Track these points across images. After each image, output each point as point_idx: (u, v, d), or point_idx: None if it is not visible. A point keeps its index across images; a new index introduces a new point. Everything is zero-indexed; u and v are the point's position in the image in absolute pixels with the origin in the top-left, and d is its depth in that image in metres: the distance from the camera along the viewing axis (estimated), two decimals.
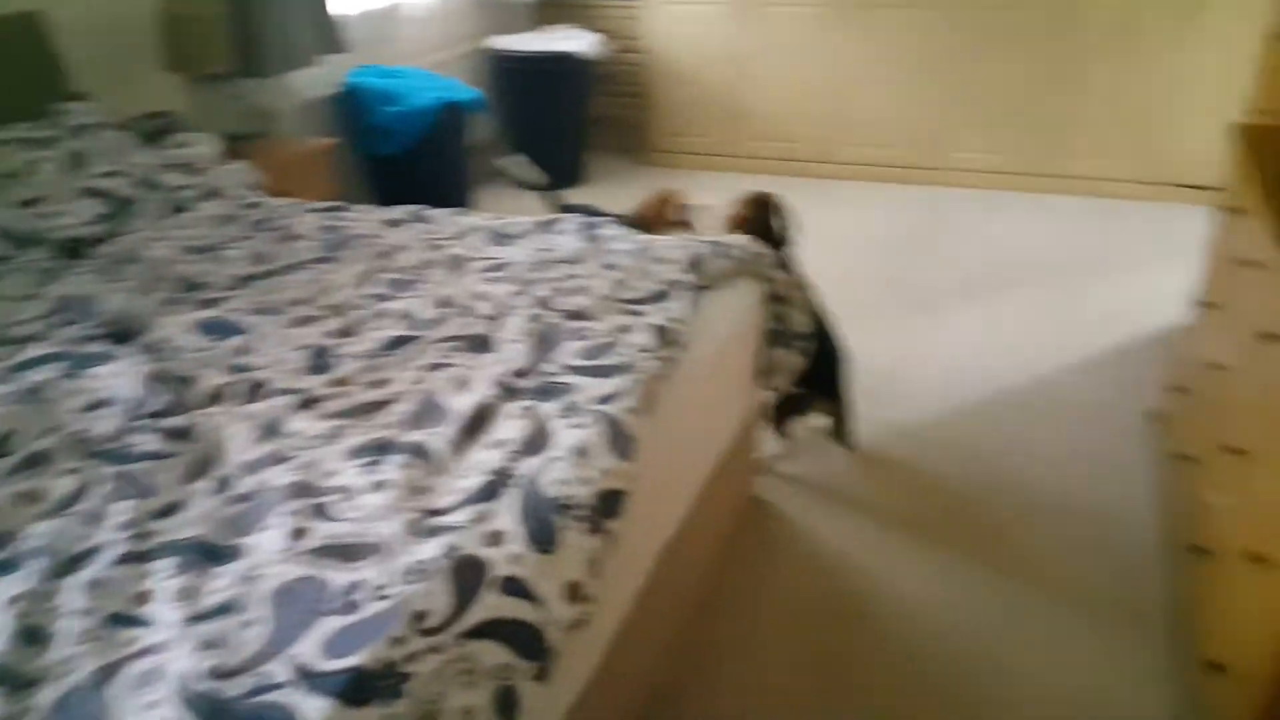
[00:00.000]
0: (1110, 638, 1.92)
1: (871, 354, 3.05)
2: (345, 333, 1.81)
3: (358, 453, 1.40)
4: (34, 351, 1.75)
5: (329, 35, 3.52)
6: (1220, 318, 2.09)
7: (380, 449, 1.39)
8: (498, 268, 2.04)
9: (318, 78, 3.63)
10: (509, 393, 1.51)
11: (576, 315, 1.74)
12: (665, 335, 1.66)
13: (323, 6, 3.50)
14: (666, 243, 2.00)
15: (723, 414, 1.96)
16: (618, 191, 4.68)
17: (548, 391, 1.50)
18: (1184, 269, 2.67)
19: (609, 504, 1.28)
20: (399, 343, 1.75)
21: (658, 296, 1.81)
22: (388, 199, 3.80)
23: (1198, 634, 1.77)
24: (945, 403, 2.78)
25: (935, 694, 1.81)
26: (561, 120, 4.62)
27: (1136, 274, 3.57)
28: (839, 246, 3.93)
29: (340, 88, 3.71)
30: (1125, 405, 2.72)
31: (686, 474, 1.77)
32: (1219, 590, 1.68)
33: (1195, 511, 1.91)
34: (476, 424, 1.44)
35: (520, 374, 1.56)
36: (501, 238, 2.23)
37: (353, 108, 3.70)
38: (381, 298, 1.95)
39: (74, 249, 2.28)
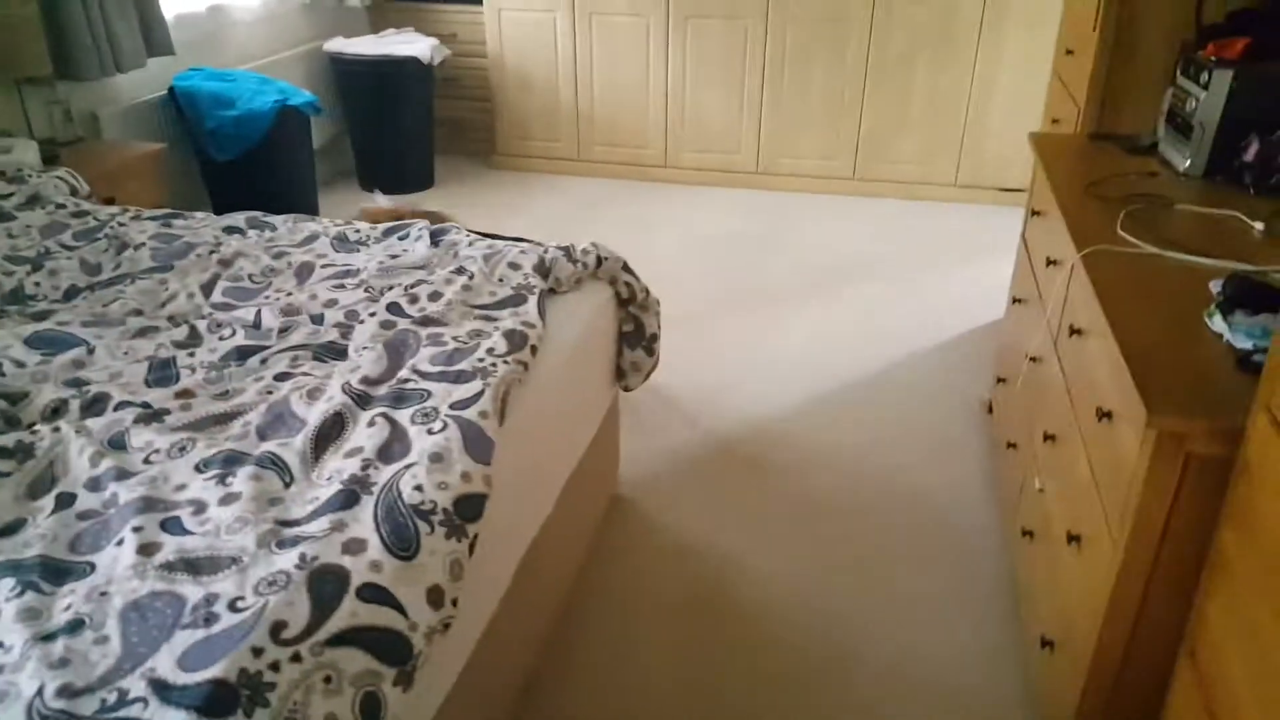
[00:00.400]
0: (958, 619, 2.07)
1: (717, 351, 3.18)
2: (188, 343, 1.76)
3: (207, 465, 1.37)
4: None
5: (155, 36, 3.37)
6: (1030, 312, 2.30)
7: (230, 461, 1.38)
8: (346, 274, 2.03)
9: (142, 80, 3.46)
10: (362, 400, 1.52)
11: (429, 321, 1.76)
12: (518, 339, 1.70)
13: (152, 5, 3.34)
14: (516, 248, 2.04)
15: (581, 415, 2.02)
16: (466, 195, 4.67)
17: (402, 398, 1.51)
18: (1007, 266, 2.90)
19: (468, 508, 1.31)
20: (245, 353, 1.72)
21: (510, 301, 1.85)
22: (226, 206, 3.67)
23: (1032, 612, 1.91)
24: (791, 396, 2.93)
25: (792, 682, 1.91)
26: (405, 124, 4.57)
27: (964, 271, 3.86)
28: (684, 248, 4.07)
29: (167, 91, 3.55)
30: (961, 395, 2.94)
31: (548, 475, 1.82)
32: (1045, 569, 1.82)
33: (1023, 495, 2.08)
34: (330, 433, 1.44)
35: (373, 382, 1.57)
36: (348, 244, 2.21)
37: (184, 111, 3.54)
38: (225, 307, 1.91)
39: None
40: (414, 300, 1.84)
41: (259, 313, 1.87)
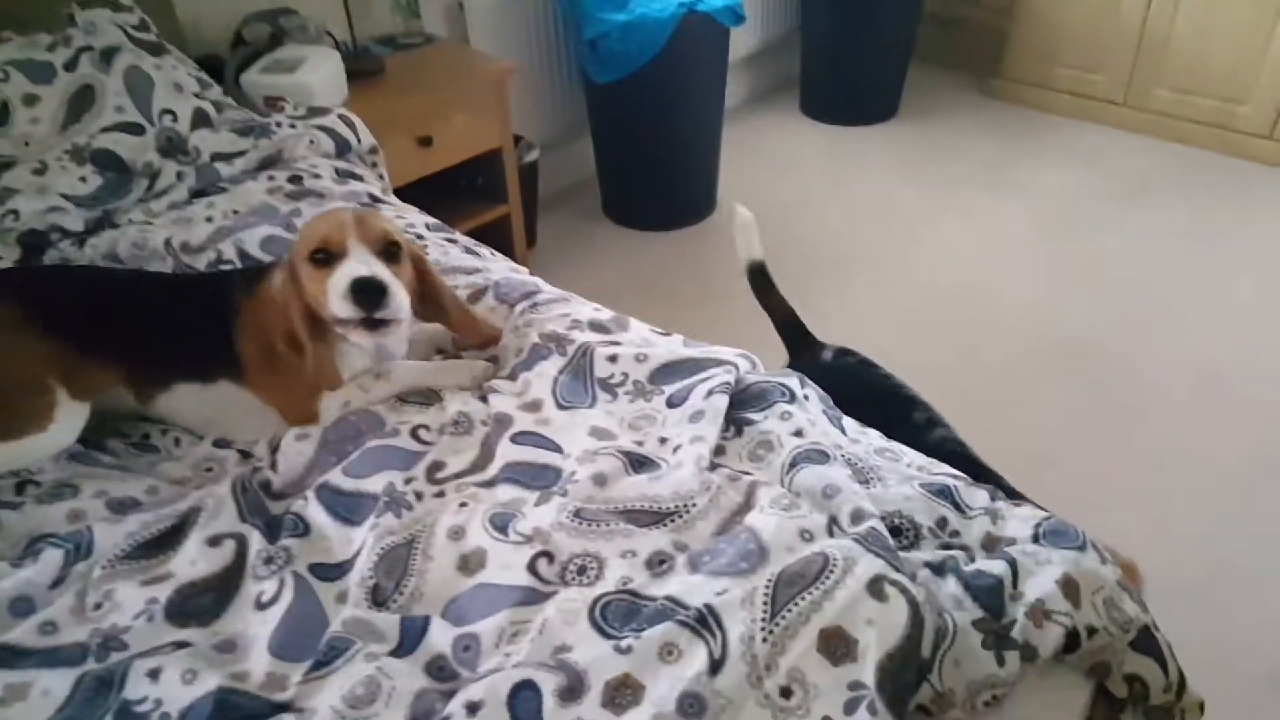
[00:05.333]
0: None
1: None
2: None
3: None
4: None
5: None
6: None
7: None
8: (541, 473, 1.05)
9: None
10: None
11: None
12: None
13: None
14: (882, 577, 0.84)
15: None
16: (941, 134, 3.32)
17: None
18: None
19: None
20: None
21: None
22: (607, 141, 2.80)
23: None
24: None
25: None
26: (879, 28, 3.28)
27: None
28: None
29: None
30: None
31: None
32: None
33: None
34: None
35: None
36: (582, 380, 1.20)
37: (565, 13, 2.67)
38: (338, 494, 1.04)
39: (37, 244, 1.55)
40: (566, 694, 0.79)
41: (361, 546, 0.99)
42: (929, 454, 1.10)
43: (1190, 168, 3.05)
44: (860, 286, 2.56)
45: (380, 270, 1.09)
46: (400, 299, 1.09)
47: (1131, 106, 3.26)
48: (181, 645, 0.93)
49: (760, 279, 1.53)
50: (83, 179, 1.62)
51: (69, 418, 1.13)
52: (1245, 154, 3.06)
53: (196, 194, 1.68)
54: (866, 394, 1.29)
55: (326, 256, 1.09)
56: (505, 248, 2.42)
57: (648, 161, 2.76)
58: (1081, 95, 3.36)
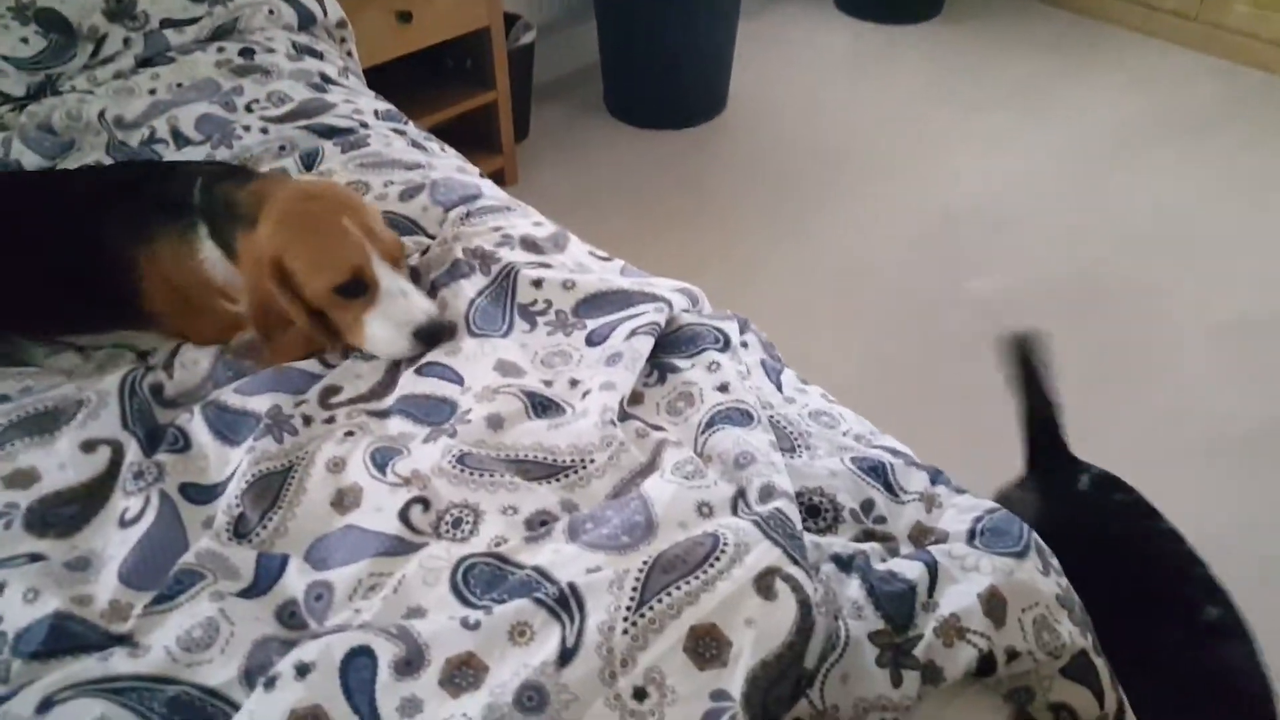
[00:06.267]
0: None
1: None
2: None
3: None
4: None
5: None
6: None
7: None
8: (432, 412, 0.94)
9: None
10: None
11: None
12: None
13: None
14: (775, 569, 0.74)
15: None
16: (979, 36, 3.05)
17: None
18: None
19: None
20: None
21: None
22: (613, 26, 2.59)
23: None
24: None
25: None
26: None
27: None
28: None
29: None
30: None
31: None
32: None
33: None
34: None
35: None
36: (499, 303, 1.08)
37: None
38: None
39: None
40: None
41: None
42: (1197, 675, 0.72)
43: (1265, 98, 2.77)
44: (869, 202, 2.37)
45: (425, 302, 1.04)
46: None
47: (1204, 22, 2.95)
48: (37, 558, 0.87)
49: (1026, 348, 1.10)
50: (24, 40, 1.50)
51: None
52: None
53: (144, 63, 1.55)
54: (1127, 556, 0.84)
55: (356, 287, 1.02)
56: (491, 138, 2.27)
57: (656, 51, 2.55)
58: (1148, 6, 3.06)
